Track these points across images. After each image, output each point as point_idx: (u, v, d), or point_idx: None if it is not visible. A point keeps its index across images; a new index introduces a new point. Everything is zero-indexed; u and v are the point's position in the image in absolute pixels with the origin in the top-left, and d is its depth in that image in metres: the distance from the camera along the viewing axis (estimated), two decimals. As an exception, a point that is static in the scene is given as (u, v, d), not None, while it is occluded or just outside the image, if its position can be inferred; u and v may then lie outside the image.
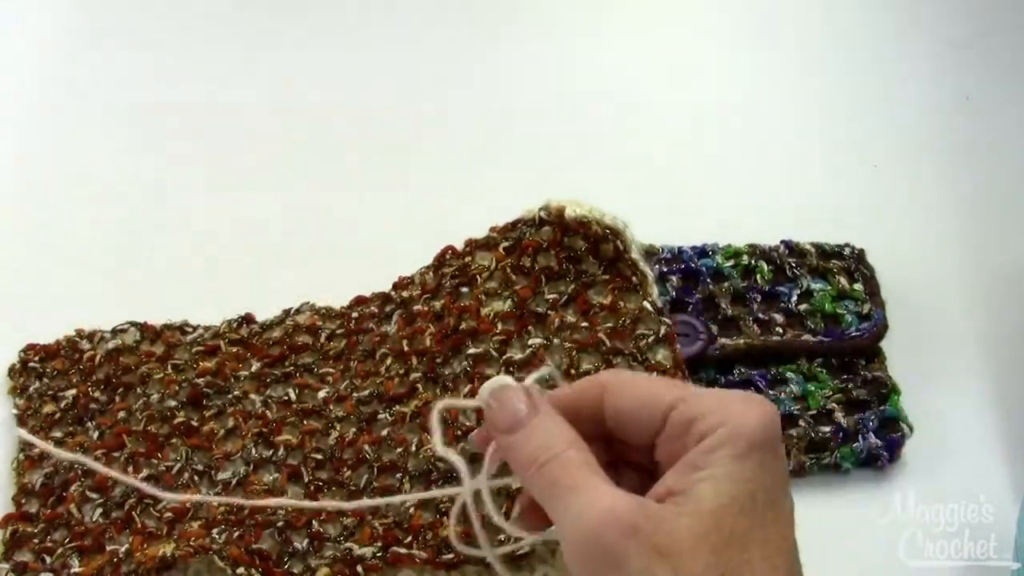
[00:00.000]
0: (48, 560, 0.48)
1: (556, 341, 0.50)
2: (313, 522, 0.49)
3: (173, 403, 0.53)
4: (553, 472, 0.36)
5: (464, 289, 0.53)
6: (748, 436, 0.34)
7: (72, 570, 0.48)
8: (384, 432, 0.51)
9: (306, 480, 0.50)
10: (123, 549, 0.48)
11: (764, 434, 0.35)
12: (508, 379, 0.39)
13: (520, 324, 0.51)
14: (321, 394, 0.53)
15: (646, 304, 0.50)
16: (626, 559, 0.32)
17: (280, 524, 0.48)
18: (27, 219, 0.66)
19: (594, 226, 0.51)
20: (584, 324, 0.51)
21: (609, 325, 0.50)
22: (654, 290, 0.51)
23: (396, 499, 0.48)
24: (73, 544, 0.49)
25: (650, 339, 0.50)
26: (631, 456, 0.39)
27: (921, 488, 0.51)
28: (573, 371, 0.49)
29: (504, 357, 0.51)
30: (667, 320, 0.50)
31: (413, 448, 0.50)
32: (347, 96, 0.73)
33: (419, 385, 0.52)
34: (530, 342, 0.51)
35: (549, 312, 0.51)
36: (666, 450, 0.37)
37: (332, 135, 0.70)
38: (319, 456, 0.51)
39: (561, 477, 0.35)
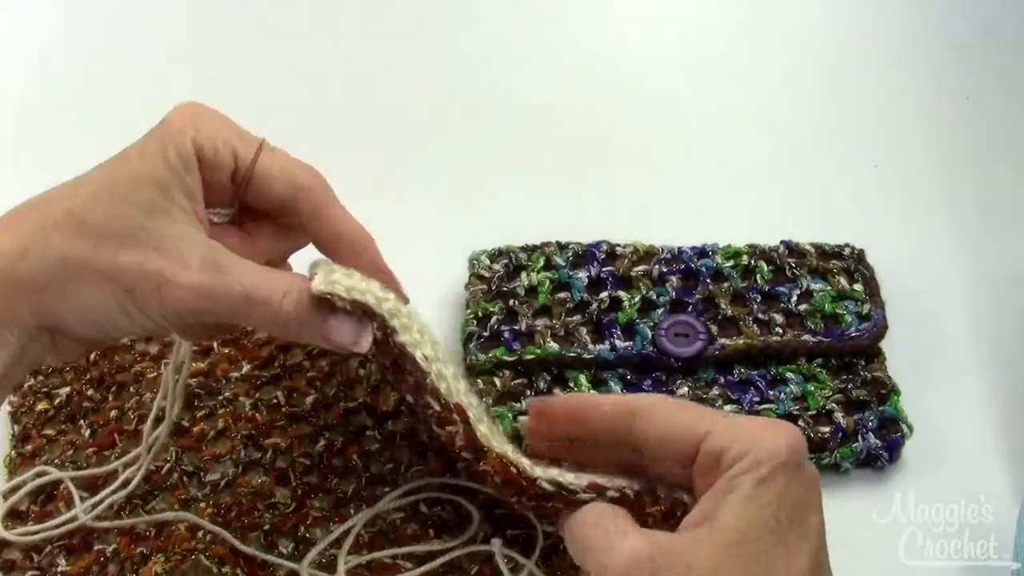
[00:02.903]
0: (36, 558, 0.48)
1: None
2: (300, 526, 0.49)
3: (165, 403, 0.53)
4: (584, 534, 0.38)
5: None
6: (771, 460, 0.36)
7: (59, 569, 0.48)
8: (374, 447, 0.51)
9: (293, 484, 0.50)
10: (110, 549, 0.48)
11: (788, 457, 0.37)
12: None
13: None
14: (309, 399, 0.53)
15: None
16: None
17: (267, 528, 0.48)
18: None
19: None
20: None
21: None
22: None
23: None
24: (61, 542, 0.49)
25: None
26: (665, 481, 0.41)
27: (921, 488, 0.51)
28: None
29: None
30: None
31: (403, 469, 0.50)
32: (352, 96, 0.73)
33: (403, 407, 0.52)
34: None
35: None
36: (701, 482, 0.38)
37: (337, 134, 0.70)
38: (307, 461, 0.51)
39: (591, 539, 0.38)
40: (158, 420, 0.49)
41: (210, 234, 0.41)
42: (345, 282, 0.41)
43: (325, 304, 0.40)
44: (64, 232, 0.38)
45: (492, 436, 0.42)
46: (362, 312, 0.41)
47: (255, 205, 0.44)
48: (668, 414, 0.39)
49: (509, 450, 0.42)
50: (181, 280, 0.38)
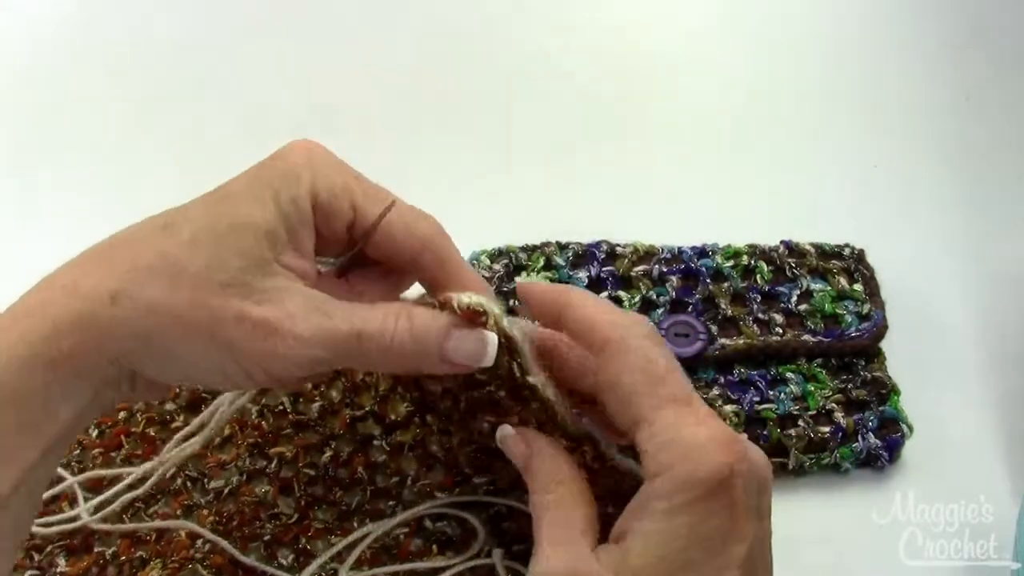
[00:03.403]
0: (36, 558, 0.48)
1: None
2: (301, 538, 0.48)
3: (172, 407, 0.53)
4: (535, 522, 0.38)
5: None
6: (690, 489, 0.34)
7: (58, 569, 0.48)
8: (381, 458, 0.51)
9: (297, 494, 0.50)
10: (110, 551, 0.48)
11: (711, 484, 0.34)
12: (506, 428, 0.41)
13: None
14: (315, 406, 0.53)
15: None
16: None
17: (267, 538, 0.48)
18: (27, 214, 0.66)
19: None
20: None
21: None
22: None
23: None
24: (61, 543, 0.49)
25: None
26: None
27: (921, 488, 0.51)
28: None
29: None
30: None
31: (409, 481, 0.50)
32: (351, 96, 0.73)
33: (416, 418, 0.51)
34: None
35: None
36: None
37: (336, 133, 0.69)
38: (312, 471, 0.51)
39: (536, 531, 0.38)
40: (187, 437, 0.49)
41: (315, 285, 0.38)
42: (495, 307, 0.39)
43: (442, 325, 0.38)
44: (158, 278, 0.34)
45: (610, 446, 0.41)
46: (505, 342, 0.39)
47: (371, 256, 0.41)
48: (626, 376, 0.37)
49: (617, 456, 0.41)
50: (289, 330, 0.35)
